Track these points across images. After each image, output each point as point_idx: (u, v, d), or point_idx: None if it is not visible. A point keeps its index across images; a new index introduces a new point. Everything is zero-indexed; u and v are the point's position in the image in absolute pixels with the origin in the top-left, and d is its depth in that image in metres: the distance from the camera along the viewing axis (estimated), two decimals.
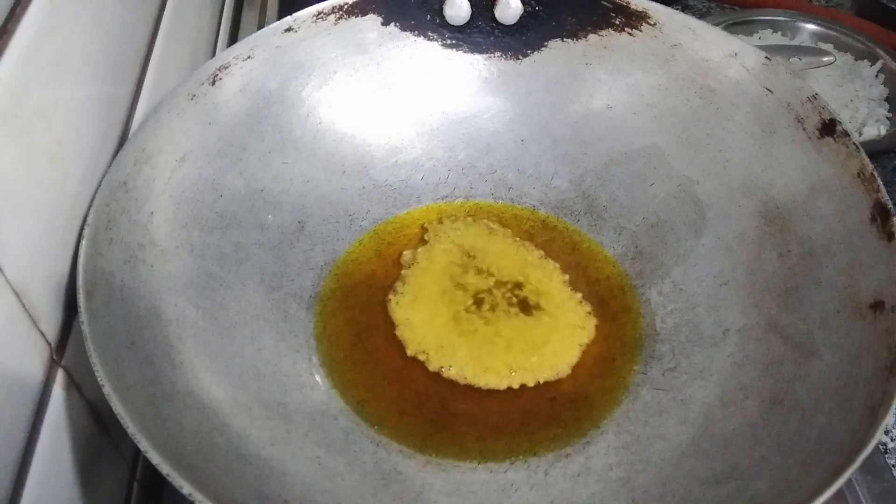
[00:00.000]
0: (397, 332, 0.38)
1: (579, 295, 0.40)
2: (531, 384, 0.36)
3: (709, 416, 0.34)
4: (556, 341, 0.38)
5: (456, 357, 0.37)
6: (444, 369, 0.37)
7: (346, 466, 0.32)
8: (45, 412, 0.27)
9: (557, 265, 0.41)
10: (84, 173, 0.31)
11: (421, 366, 0.37)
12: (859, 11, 0.69)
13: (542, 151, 0.44)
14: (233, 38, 0.60)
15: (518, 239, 0.42)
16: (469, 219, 0.43)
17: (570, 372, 0.37)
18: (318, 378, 0.36)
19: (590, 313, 0.39)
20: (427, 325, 0.38)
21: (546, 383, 0.37)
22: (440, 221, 0.43)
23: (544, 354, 0.37)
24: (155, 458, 0.25)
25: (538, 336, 0.38)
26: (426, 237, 0.42)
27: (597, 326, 0.39)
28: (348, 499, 0.31)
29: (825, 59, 0.56)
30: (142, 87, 0.38)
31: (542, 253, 0.42)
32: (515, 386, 0.36)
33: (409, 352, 0.37)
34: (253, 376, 0.34)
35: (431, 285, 0.40)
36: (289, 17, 0.40)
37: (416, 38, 0.43)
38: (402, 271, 0.40)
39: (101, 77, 0.32)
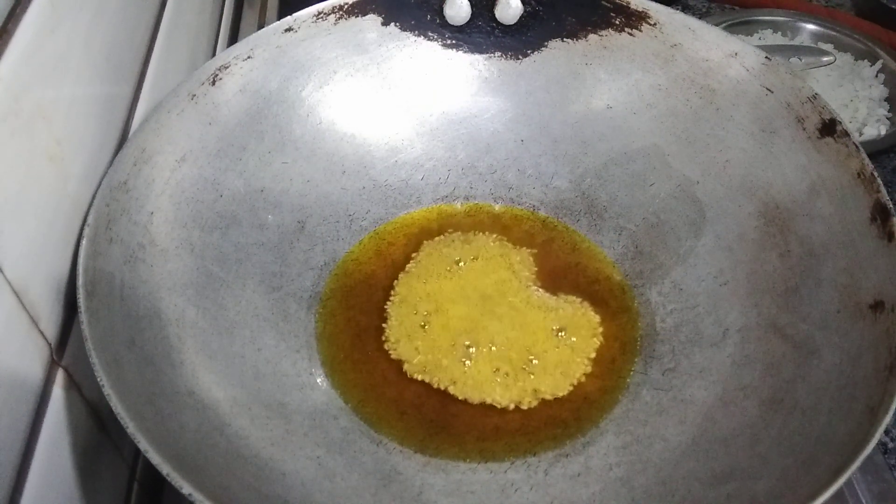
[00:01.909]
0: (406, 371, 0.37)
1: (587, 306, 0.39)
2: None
3: (709, 416, 0.34)
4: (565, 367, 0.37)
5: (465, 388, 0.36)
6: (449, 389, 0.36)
7: (346, 466, 0.32)
8: (45, 412, 0.27)
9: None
10: (84, 173, 0.31)
11: None
12: (859, 11, 0.69)
13: (542, 151, 0.44)
14: (233, 38, 0.60)
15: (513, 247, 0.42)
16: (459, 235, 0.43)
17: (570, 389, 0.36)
18: (318, 378, 0.36)
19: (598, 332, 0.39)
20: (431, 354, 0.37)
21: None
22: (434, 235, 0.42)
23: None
24: (155, 458, 0.25)
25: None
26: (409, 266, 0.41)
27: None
28: (348, 499, 0.31)
29: (825, 59, 0.56)
30: (142, 87, 0.38)
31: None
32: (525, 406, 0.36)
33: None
34: (253, 376, 0.34)
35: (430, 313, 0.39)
36: (289, 17, 0.40)
37: (416, 38, 0.43)
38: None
39: (101, 77, 0.32)
